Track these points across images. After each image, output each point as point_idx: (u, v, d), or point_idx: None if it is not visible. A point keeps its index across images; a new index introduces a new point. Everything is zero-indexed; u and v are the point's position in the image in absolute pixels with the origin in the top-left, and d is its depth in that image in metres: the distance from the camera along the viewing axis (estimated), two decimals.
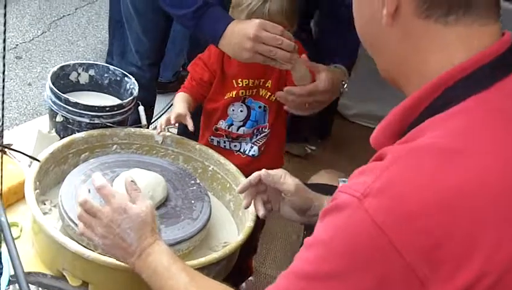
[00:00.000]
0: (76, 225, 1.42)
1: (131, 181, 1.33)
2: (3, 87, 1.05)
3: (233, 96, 1.82)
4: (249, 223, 1.54)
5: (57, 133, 1.77)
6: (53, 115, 1.76)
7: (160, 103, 3.32)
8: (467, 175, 0.83)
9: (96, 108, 1.72)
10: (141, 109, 1.88)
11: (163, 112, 3.31)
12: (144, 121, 1.85)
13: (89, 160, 1.67)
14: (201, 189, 1.65)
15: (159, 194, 1.54)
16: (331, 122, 3.27)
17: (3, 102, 1.09)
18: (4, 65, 1.05)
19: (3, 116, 1.16)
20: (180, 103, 1.78)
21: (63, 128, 1.75)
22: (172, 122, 1.72)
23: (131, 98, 1.79)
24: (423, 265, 0.81)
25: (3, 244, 1.06)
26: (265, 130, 1.86)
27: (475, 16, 0.91)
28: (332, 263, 0.88)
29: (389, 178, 0.85)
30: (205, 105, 1.89)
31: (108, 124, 1.73)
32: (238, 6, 1.72)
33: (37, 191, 1.51)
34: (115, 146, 1.75)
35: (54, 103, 1.74)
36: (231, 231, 1.66)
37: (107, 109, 1.73)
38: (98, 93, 1.92)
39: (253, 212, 1.54)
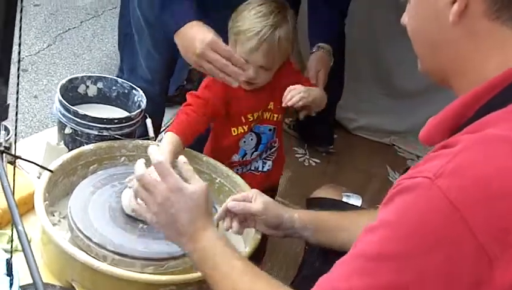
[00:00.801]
0: (85, 236, 1.44)
1: (184, 162, 1.35)
2: (17, 99, 1.07)
3: (245, 130, 1.83)
4: (255, 236, 1.55)
5: (65, 145, 1.78)
6: (62, 127, 1.78)
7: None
8: None
9: (105, 120, 1.74)
10: (149, 121, 1.90)
11: (167, 126, 3.33)
12: (151, 133, 1.86)
13: (98, 172, 1.69)
14: None
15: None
16: (331, 132, 3.28)
17: (16, 113, 1.11)
18: (18, 76, 1.07)
19: (16, 127, 1.18)
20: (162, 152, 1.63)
21: (72, 141, 1.77)
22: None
23: (139, 110, 1.80)
24: (494, 246, 0.83)
25: (14, 254, 1.08)
26: (275, 145, 1.91)
27: None
28: (400, 243, 0.88)
29: (463, 160, 0.87)
30: (212, 144, 1.89)
31: (116, 136, 1.75)
32: (247, 33, 1.68)
33: (46, 202, 1.52)
34: (123, 158, 1.77)
35: (63, 115, 1.76)
36: (238, 244, 1.66)
37: (116, 121, 1.75)
38: (106, 105, 1.94)
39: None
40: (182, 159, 1.36)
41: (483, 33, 0.97)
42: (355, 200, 1.71)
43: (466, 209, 0.84)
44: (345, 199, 1.71)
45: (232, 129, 1.84)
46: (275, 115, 1.86)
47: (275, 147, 1.90)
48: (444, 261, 0.85)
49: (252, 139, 1.86)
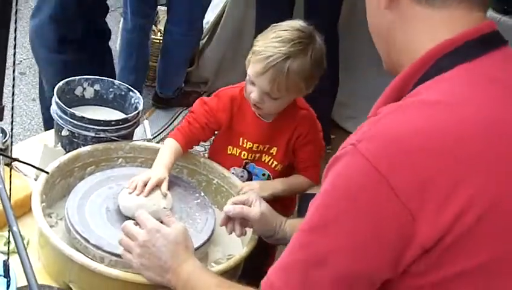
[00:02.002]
0: (82, 237, 1.44)
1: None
2: (13, 101, 1.07)
3: (236, 154, 1.77)
4: (253, 236, 1.56)
5: (62, 147, 1.78)
6: (59, 129, 1.78)
7: (161, 118, 3.36)
8: (453, 120, 0.92)
9: (102, 122, 1.74)
10: (146, 123, 1.90)
11: (165, 128, 3.34)
12: (149, 134, 1.87)
13: (95, 173, 1.69)
14: (205, 202, 1.66)
15: (163, 207, 1.55)
16: (328, 133, 3.28)
17: (12, 115, 1.11)
18: (14, 79, 1.08)
19: (12, 130, 1.18)
20: (163, 162, 1.64)
21: (69, 143, 1.77)
22: (149, 187, 1.56)
23: (136, 112, 1.81)
24: (414, 199, 0.88)
25: (12, 256, 1.08)
26: None
27: (460, 3, 1.00)
28: (331, 208, 0.95)
29: (381, 126, 0.94)
30: (210, 151, 1.87)
31: (113, 138, 1.75)
32: (258, 54, 1.60)
33: (43, 204, 1.52)
34: (120, 160, 1.77)
35: (59, 117, 1.76)
36: (235, 244, 1.66)
37: (113, 123, 1.75)
38: (103, 107, 1.94)
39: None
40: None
41: (412, 16, 1.03)
42: None
43: (385, 168, 0.89)
44: None
45: (228, 147, 1.78)
46: (275, 163, 1.76)
47: None
48: (371, 221, 0.91)
49: (242, 176, 1.78)
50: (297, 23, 1.65)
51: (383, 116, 0.96)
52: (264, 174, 1.78)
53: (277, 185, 1.74)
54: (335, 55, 3.11)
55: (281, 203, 1.76)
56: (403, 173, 0.89)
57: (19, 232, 0.80)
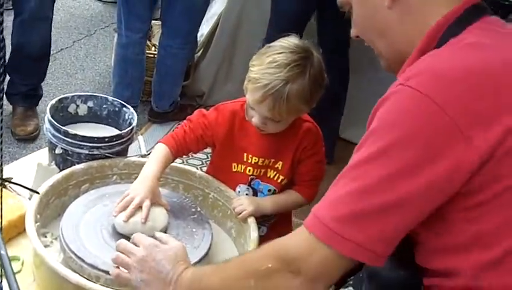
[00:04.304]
0: (77, 257, 1.42)
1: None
2: (2, 121, 1.05)
3: (241, 171, 1.73)
4: (253, 234, 1.56)
5: (56, 165, 1.77)
6: (52, 147, 1.77)
7: (157, 133, 3.34)
8: (490, 57, 1.06)
9: (95, 139, 1.72)
10: (141, 138, 1.89)
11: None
12: (143, 150, 1.85)
13: (89, 191, 1.67)
14: (202, 217, 1.64)
15: (159, 223, 1.54)
16: (333, 148, 3.27)
17: (1, 135, 1.09)
18: (2, 99, 1.06)
19: (1, 150, 1.16)
20: (151, 174, 1.59)
21: (63, 161, 1.75)
22: (145, 212, 1.52)
23: (130, 128, 1.79)
24: (464, 118, 0.99)
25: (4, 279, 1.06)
26: None
27: None
28: (382, 139, 1.03)
29: (424, 64, 1.06)
30: (210, 173, 1.80)
31: (107, 154, 1.74)
32: (255, 82, 1.57)
33: (38, 223, 1.51)
34: (114, 176, 1.75)
35: (53, 135, 1.74)
36: (232, 251, 1.65)
37: (106, 139, 1.74)
38: (97, 124, 1.92)
39: (256, 240, 1.55)
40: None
41: (417, 5, 1.14)
42: None
43: (434, 94, 1.00)
44: None
45: (233, 164, 1.74)
46: (281, 177, 1.73)
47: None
48: (425, 143, 1.00)
49: (247, 194, 1.74)
50: (291, 42, 1.61)
51: (422, 60, 1.08)
52: (269, 190, 1.75)
53: (266, 203, 1.71)
54: (345, 75, 3.10)
55: (278, 232, 1.74)
56: (451, 95, 1.00)
57: (7, 255, 0.79)
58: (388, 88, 1.11)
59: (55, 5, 3.07)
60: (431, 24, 1.13)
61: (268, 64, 1.56)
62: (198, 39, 3.59)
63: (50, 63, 3.24)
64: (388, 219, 1.03)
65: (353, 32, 1.26)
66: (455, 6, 1.13)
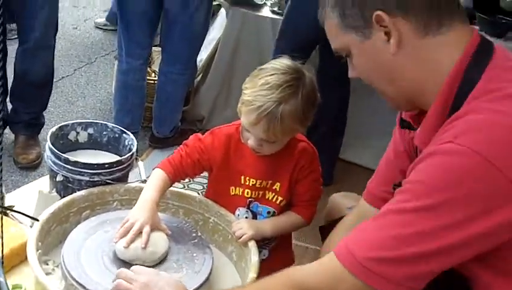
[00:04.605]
0: (79, 284, 1.42)
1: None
2: (2, 149, 1.07)
3: (240, 194, 1.73)
4: (251, 274, 1.54)
5: (57, 192, 1.78)
6: (53, 175, 1.78)
7: (159, 158, 3.34)
8: None
9: (96, 166, 1.74)
10: (141, 164, 1.90)
11: None
12: (143, 176, 1.86)
13: (90, 218, 1.68)
14: (202, 241, 1.65)
15: (160, 249, 1.54)
16: (333, 169, 3.28)
17: (1, 164, 1.11)
18: (4, 127, 1.08)
19: (1, 178, 1.18)
20: (149, 199, 1.59)
21: (64, 188, 1.76)
22: (145, 238, 1.52)
23: (130, 154, 1.80)
24: None
25: None
26: None
27: (456, 21, 1.16)
28: (439, 195, 1.05)
29: (467, 123, 1.07)
30: (208, 197, 1.80)
31: (108, 181, 1.75)
32: (249, 105, 1.58)
33: (39, 251, 1.51)
34: (115, 203, 1.76)
35: (53, 163, 1.76)
36: (234, 283, 1.64)
37: (106, 166, 1.75)
38: (98, 151, 1.94)
39: (256, 264, 1.55)
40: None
41: (424, 49, 1.16)
42: None
43: (485, 151, 1.02)
44: (348, 212, 1.71)
45: (231, 188, 1.74)
46: (280, 198, 1.73)
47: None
48: (480, 202, 1.03)
49: (246, 217, 1.74)
50: (283, 63, 1.62)
51: (465, 113, 1.09)
52: (269, 212, 1.75)
53: (266, 226, 1.71)
54: (346, 98, 3.12)
55: (279, 255, 1.77)
56: (503, 151, 1.03)
57: (6, 282, 0.79)
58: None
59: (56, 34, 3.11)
60: (444, 65, 1.14)
61: (261, 86, 1.57)
62: (197, 64, 3.62)
63: (52, 92, 3.27)
64: (430, 264, 1.09)
65: (352, 74, 1.27)
66: (466, 43, 1.15)
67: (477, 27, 2.44)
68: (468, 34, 1.17)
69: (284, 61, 1.63)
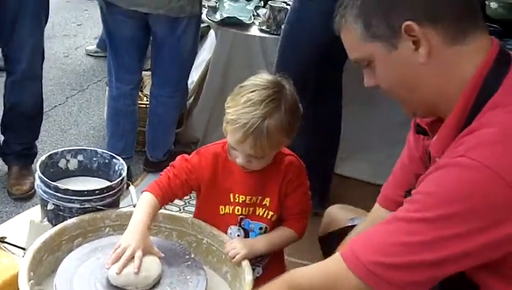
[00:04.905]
0: None
1: None
2: None
3: (230, 212, 1.73)
4: (247, 277, 1.55)
5: (49, 221, 1.77)
6: (44, 203, 1.77)
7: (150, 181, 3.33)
8: None
9: (86, 192, 1.73)
10: (132, 189, 1.89)
11: None
12: (135, 200, 1.85)
13: (83, 245, 1.67)
14: (196, 263, 1.64)
15: (153, 273, 1.53)
16: (329, 184, 3.26)
17: None
18: None
19: None
20: (139, 223, 1.57)
21: (55, 216, 1.75)
22: (137, 263, 1.50)
23: (120, 178, 1.80)
24: None
25: None
26: None
27: (478, 31, 1.19)
28: (449, 207, 1.07)
29: (477, 137, 1.09)
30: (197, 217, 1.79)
31: (99, 207, 1.74)
32: (234, 123, 1.59)
33: (32, 281, 1.49)
34: (107, 229, 1.75)
35: (44, 191, 1.75)
36: None
37: (97, 192, 1.74)
38: (89, 177, 1.93)
39: (250, 283, 1.54)
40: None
41: (450, 58, 1.18)
42: (359, 221, 1.73)
43: (499, 167, 1.04)
44: (350, 223, 1.76)
45: (220, 207, 1.74)
46: (271, 213, 1.73)
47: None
48: (490, 215, 1.06)
49: (238, 235, 1.74)
50: (263, 78, 1.64)
51: (479, 127, 1.11)
52: (261, 228, 1.75)
53: (260, 243, 1.71)
54: (338, 122, 3.11)
55: (272, 272, 1.72)
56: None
57: None
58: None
59: (48, 63, 3.11)
60: (466, 74, 1.17)
61: (244, 103, 1.58)
62: (189, 86, 3.62)
63: (44, 121, 3.26)
64: (434, 271, 1.12)
65: (370, 82, 1.28)
66: (486, 53, 1.18)
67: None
68: (489, 43, 1.20)
69: (263, 76, 1.65)
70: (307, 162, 1.79)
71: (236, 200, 1.72)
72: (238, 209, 1.73)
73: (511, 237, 1.07)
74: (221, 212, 1.74)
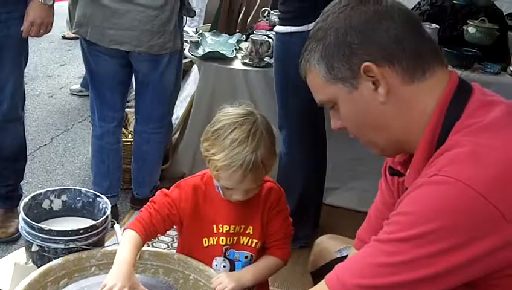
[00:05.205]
0: None
1: None
2: None
3: (214, 243, 1.73)
4: None
5: (34, 263, 1.75)
6: (29, 245, 1.75)
7: None
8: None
9: (70, 232, 1.72)
10: (117, 227, 1.88)
11: None
12: (120, 238, 1.83)
13: (68, 286, 1.65)
14: None
15: None
16: (319, 215, 3.25)
17: None
18: None
19: None
20: (126, 261, 1.56)
21: (40, 258, 1.74)
22: None
23: (104, 217, 1.79)
24: (506, 204, 1.06)
25: None
26: None
27: (437, 65, 1.22)
28: (427, 224, 1.08)
29: (452, 155, 1.11)
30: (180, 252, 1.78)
31: (84, 246, 1.72)
32: (229, 168, 1.58)
33: None
34: (93, 268, 1.73)
35: (28, 233, 1.73)
36: None
37: (81, 231, 1.73)
38: (73, 217, 1.92)
39: None
40: None
41: (410, 95, 1.20)
42: (347, 252, 1.73)
43: (469, 181, 1.05)
44: (338, 255, 1.76)
45: (204, 239, 1.73)
46: (255, 241, 1.74)
47: None
48: (469, 230, 1.06)
49: (224, 266, 1.74)
50: (233, 114, 1.64)
51: (447, 153, 1.12)
52: (246, 257, 1.75)
53: (247, 275, 1.71)
54: (324, 149, 3.12)
55: None
56: (494, 185, 1.06)
57: None
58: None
59: (32, 104, 3.09)
60: (428, 108, 1.20)
61: (231, 145, 1.58)
62: (174, 122, 3.63)
63: (28, 162, 3.24)
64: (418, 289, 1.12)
65: (336, 124, 1.31)
66: (446, 85, 1.21)
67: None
68: (448, 76, 1.23)
69: (233, 112, 1.65)
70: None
71: (220, 231, 1.72)
72: (222, 239, 1.73)
73: (492, 252, 1.08)
74: (205, 245, 1.73)
